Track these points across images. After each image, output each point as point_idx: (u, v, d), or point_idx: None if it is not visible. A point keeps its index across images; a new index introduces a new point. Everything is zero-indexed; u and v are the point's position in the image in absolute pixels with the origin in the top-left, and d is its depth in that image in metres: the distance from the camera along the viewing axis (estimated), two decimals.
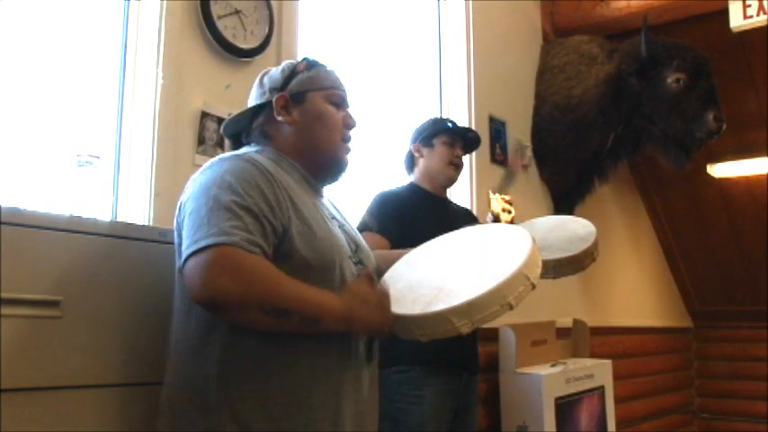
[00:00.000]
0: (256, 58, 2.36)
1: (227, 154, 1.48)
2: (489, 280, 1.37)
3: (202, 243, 1.25)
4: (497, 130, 3.60)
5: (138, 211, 2.03)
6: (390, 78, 3.22)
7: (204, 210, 1.30)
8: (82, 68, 2.06)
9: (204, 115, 2.19)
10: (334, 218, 1.52)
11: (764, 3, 3.44)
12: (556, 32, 4.17)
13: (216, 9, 2.24)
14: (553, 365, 3.26)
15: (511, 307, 1.37)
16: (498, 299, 1.35)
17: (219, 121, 2.22)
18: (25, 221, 1.36)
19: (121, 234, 1.54)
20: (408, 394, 2.27)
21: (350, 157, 1.58)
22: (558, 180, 4.00)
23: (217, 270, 1.22)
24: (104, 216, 2.00)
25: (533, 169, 3.90)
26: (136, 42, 2.13)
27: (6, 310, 1.30)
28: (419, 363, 2.28)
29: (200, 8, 2.22)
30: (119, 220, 2.00)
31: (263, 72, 1.62)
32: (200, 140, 2.18)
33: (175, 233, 1.42)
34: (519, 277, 1.38)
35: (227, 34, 2.26)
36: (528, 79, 3.96)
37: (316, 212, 1.45)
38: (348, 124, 1.57)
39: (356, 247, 1.53)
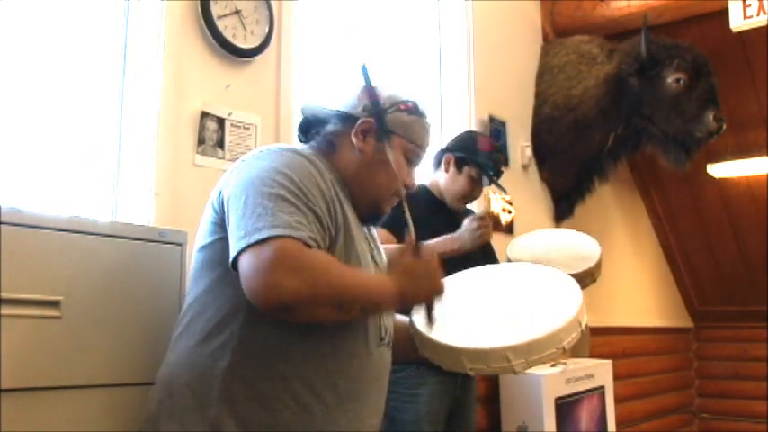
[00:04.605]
0: (256, 58, 2.36)
1: (283, 146, 1.41)
2: (547, 322, 1.37)
3: (265, 234, 1.18)
4: (497, 130, 3.59)
5: (138, 211, 2.03)
6: (390, 78, 3.22)
7: (264, 200, 1.23)
8: (82, 68, 2.06)
9: (204, 115, 2.19)
10: (366, 239, 1.49)
11: (764, 3, 3.44)
12: (556, 32, 4.17)
13: (216, 9, 2.24)
14: (553, 365, 3.26)
15: (564, 351, 1.37)
16: (556, 341, 1.35)
17: (219, 120, 2.22)
18: (25, 221, 1.36)
19: (121, 234, 1.54)
20: (404, 393, 2.27)
21: (387, 211, 1.54)
22: (558, 180, 4.00)
23: (283, 271, 1.16)
24: (104, 216, 2.00)
25: (533, 169, 3.91)
26: (136, 42, 2.13)
27: (6, 310, 1.30)
28: (414, 362, 2.27)
29: (200, 8, 2.22)
30: (119, 220, 2.00)
31: (372, 85, 1.48)
32: (201, 140, 2.18)
33: (211, 211, 1.36)
34: (574, 323, 1.39)
35: (228, 34, 2.26)
36: (528, 79, 3.96)
37: (358, 230, 1.43)
38: (407, 185, 1.51)
39: None
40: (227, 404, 1.26)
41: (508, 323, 1.42)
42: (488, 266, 1.77)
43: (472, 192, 2.48)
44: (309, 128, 1.52)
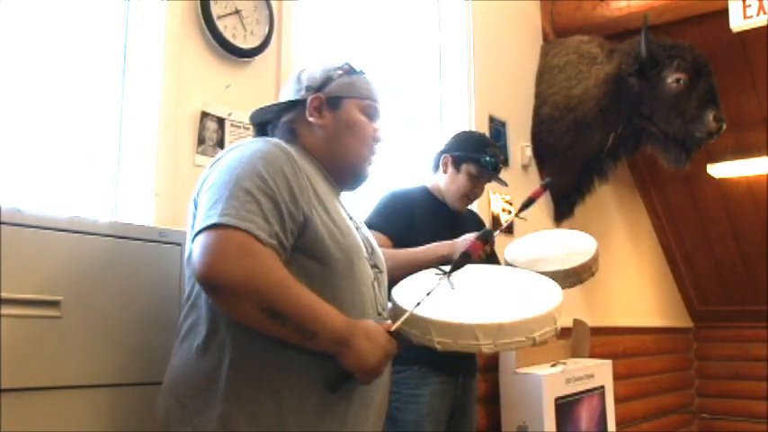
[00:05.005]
0: (256, 58, 2.37)
1: (252, 138, 1.46)
2: (522, 311, 1.42)
3: (215, 220, 1.23)
4: (497, 130, 3.60)
5: (138, 211, 2.03)
6: (390, 78, 3.22)
7: (224, 188, 1.28)
8: (82, 68, 2.06)
9: (204, 115, 2.19)
10: (351, 218, 1.51)
11: (764, 3, 3.44)
12: (556, 32, 4.18)
13: (216, 9, 2.24)
14: (553, 365, 3.26)
15: (534, 342, 1.39)
16: (526, 330, 1.38)
17: (219, 121, 2.22)
18: (25, 221, 1.36)
19: (121, 234, 1.54)
20: (405, 394, 2.28)
21: (371, 170, 1.57)
22: (558, 180, 3.99)
23: (225, 253, 1.20)
24: (104, 216, 2.00)
25: (533, 169, 3.91)
26: (136, 42, 2.13)
27: (6, 310, 1.30)
28: (416, 363, 2.28)
29: (200, 8, 2.22)
30: (119, 220, 2.00)
31: (302, 68, 1.59)
32: (200, 140, 2.18)
33: (188, 212, 1.39)
34: (549, 317, 1.42)
35: (228, 34, 2.27)
36: (528, 79, 3.96)
37: (339, 208, 1.45)
38: (377, 138, 1.55)
39: (372, 251, 1.52)
40: (234, 400, 1.27)
41: (484, 308, 1.46)
42: (477, 266, 1.78)
43: (473, 189, 2.47)
44: (264, 131, 1.57)
